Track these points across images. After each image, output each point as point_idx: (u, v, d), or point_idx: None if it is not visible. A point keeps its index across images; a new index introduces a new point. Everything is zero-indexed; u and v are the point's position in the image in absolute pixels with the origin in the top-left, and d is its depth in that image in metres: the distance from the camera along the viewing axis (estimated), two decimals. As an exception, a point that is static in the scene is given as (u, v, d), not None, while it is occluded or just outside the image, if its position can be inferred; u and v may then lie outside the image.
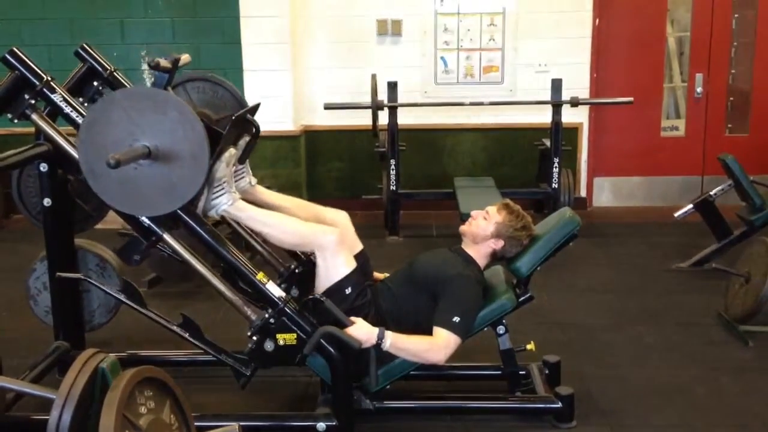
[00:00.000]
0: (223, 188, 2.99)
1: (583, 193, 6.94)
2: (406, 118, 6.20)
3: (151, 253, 4.46)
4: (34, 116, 3.08)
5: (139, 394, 2.26)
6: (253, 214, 3.09)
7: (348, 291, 3.07)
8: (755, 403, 3.39)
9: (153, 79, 6.50)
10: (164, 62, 2.86)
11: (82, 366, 2.24)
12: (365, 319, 3.02)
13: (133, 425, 2.17)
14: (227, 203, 3.01)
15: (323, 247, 3.07)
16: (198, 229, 2.97)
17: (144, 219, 2.96)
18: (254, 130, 3.22)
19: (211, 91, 3.50)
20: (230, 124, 3.00)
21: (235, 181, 3.15)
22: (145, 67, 6.59)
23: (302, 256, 3.42)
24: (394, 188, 6.07)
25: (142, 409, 2.26)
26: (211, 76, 3.52)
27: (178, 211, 2.92)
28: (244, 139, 3.18)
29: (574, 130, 6.71)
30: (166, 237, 2.99)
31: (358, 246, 3.30)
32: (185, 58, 3.00)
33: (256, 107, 3.32)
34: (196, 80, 3.49)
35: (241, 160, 3.18)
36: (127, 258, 3.04)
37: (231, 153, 3.03)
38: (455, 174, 6.67)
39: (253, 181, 3.28)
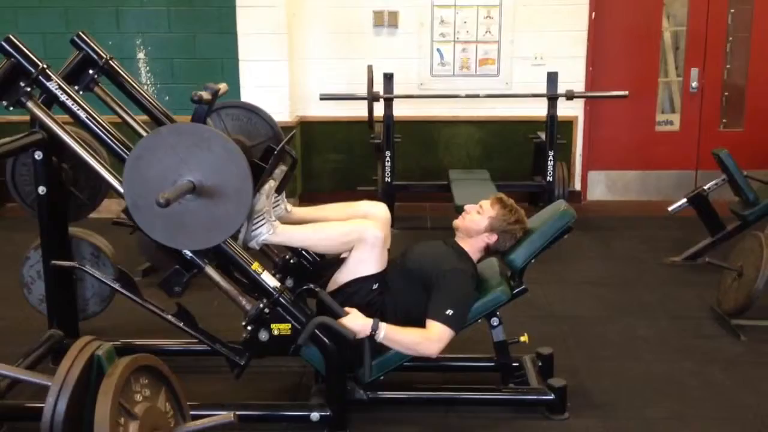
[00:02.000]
0: (264, 219, 3.01)
1: (577, 186, 6.95)
2: (401, 109, 6.19)
3: (146, 242, 4.50)
4: (30, 104, 3.07)
5: (135, 382, 2.26)
6: (293, 235, 3.12)
7: (374, 287, 3.09)
8: (747, 396, 3.41)
9: (155, 73, 6.53)
10: (206, 95, 2.88)
11: (78, 353, 2.24)
12: (370, 312, 3.03)
13: (128, 413, 2.17)
14: (267, 233, 3.02)
15: (365, 241, 3.07)
16: (238, 259, 3.00)
17: (186, 252, 2.97)
18: (291, 159, 3.25)
19: (246, 118, 3.56)
20: (273, 158, 3.05)
21: (273, 210, 3.15)
22: (141, 56, 6.57)
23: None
24: (389, 180, 6.07)
25: (138, 397, 2.26)
26: (245, 104, 3.56)
27: (221, 244, 2.94)
28: (281, 169, 3.21)
29: (569, 124, 6.72)
30: (208, 270, 3.00)
31: (389, 242, 3.29)
32: (224, 88, 3.02)
33: (292, 136, 3.34)
34: (231, 107, 3.54)
35: (278, 191, 3.19)
36: (169, 289, 3.05)
37: (270, 185, 3.07)
38: (450, 166, 6.67)
39: (289, 207, 3.28)
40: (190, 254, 2.98)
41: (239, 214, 2.83)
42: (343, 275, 3.11)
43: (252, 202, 2.87)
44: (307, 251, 3.40)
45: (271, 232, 3.04)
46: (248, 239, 3.03)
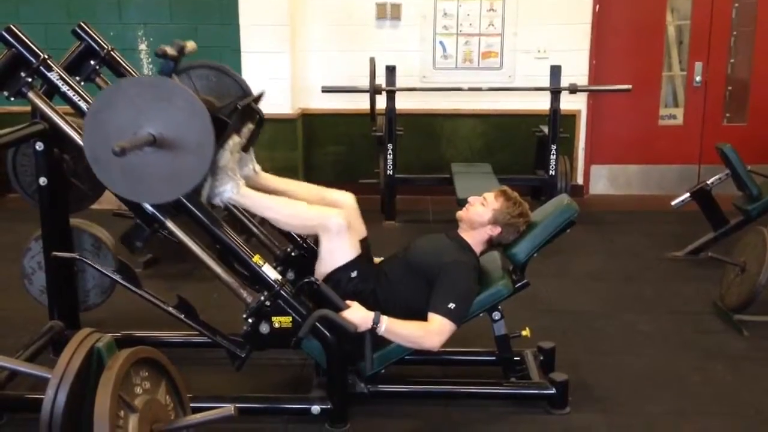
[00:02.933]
0: (228, 176, 2.99)
1: (580, 180, 6.94)
2: (404, 102, 6.17)
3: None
4: (31, 94, 3.05)
5: (135, 375, 2.26)
6: (258, 200, 3.09)
7: (353, 275, 3.07)
8: (749, 392, 3.40)
9: (156, 65, 6.50)
10: (170, 50, 2.85)
11: (78, 345, 2.24)
12: (365, 304, 3.02)
13: (128, 405, 2.17)
14: (232, 191, 3.00)
15: (329, 230, 3.06)
16: (201, 216, 2.97)
17: (147, 206, 2.95)
18: (258, 118, 3.21)
19: (215, 79, 3.48)
20: (236, 113, 2.99)
21: (239, 169, 3.14)
22: (142, 47, 6.55)
23: (298, 239, 3.42)
24: (391, 173, 6.05)
25: (138, 390, 2.25)
26: (216, 64, 3.51)
27: (182, 199, 2.92)
28: (248, 128, 3.18)
29: (572, 118, 6.70)
30: (169, 224, 2.98)
31: (364, 231, 3.30)
32: (191, 45, 2.99)
33: (260, 95, 3.31)
34: (201, 68, 3.47)
35: (245, 149, 3.17)
36: (130, 244, 3.04)
37: (235, 141, 3.03)
38: (453, 159, 6.66)
39: (257, 168, 3.27)
40: (152, 209, 2.95)
41: (200, 168, 2.79)
42: (322, 267, 3.11)
43: (216, 157, 2.85)
44: (306, 242, 3.39)
45: (236, 190, 3.00)
46: (212, 195, 3.00)
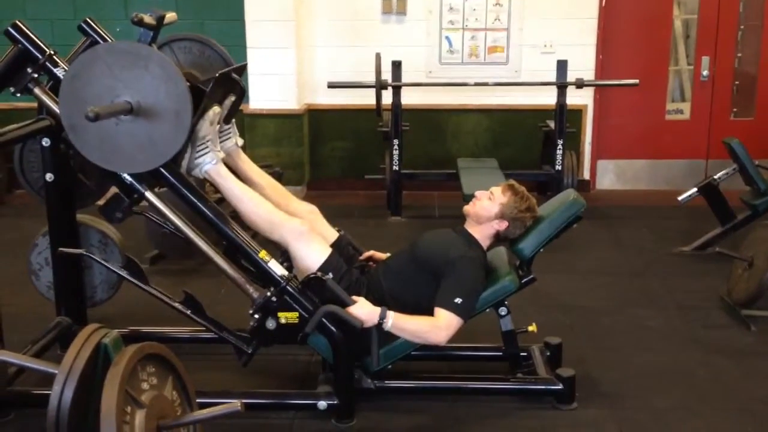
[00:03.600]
0: (207, 147, 2.97)
1: (586, 175, 6.92)
2: (410, 97, 6.16)
3: (154, 229, 4.49)
4: (37, 90, 3.06)
5: (142, 370, 2.26)
6: (233, 186, 3.09)
7: (329, 276, 3.06)
8: (756, 387, 3.39)
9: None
10: (148, 18, 2.82)
11: (85, 341, 2.24)
12: (360, 294, 3.02)
13: (135, 401, 2.17)
14: (211, 162, 2.99)
15: (293, 236, 3.07)
16: (180, 187, 2.95)
17: (126, 176, 2.93)
18: (240, 89, 3.18)
19: (198, 52, 3.45)
20: (214, 82, 2.96)
21: (221, 141, 3.13)
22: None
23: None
24: (397, 168, 6.05)
25: (145, 385, 2.26)
26: (198, 36, 3.48)
27: (160, 169, 2.90)
28: (230, 99, 3.14)
29: (578, 112, 6.68)
30: (149, 195, 2.96)
31: (333, 235, 3.32)
32: (171, 16, 2.96)
33: (242, 67, 3.29)
34: (183, 40, 3.44)
35: (226, 120, 3.15)
36: (110, 215, 3.02)
37: (215, 111, 3.00)
38: (459, 155, 6.64)
39: (240, 141, 3.27)
40: (130, 179, 2.94)
41: (178, 137, 2.77)
42: (299, 275, 3.09)
43: (195, 127, 2.83)
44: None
45: (214, 162, 3.00)
46: (191, 167, 2.99)
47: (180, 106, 2.72)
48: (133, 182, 2.94)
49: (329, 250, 3.13)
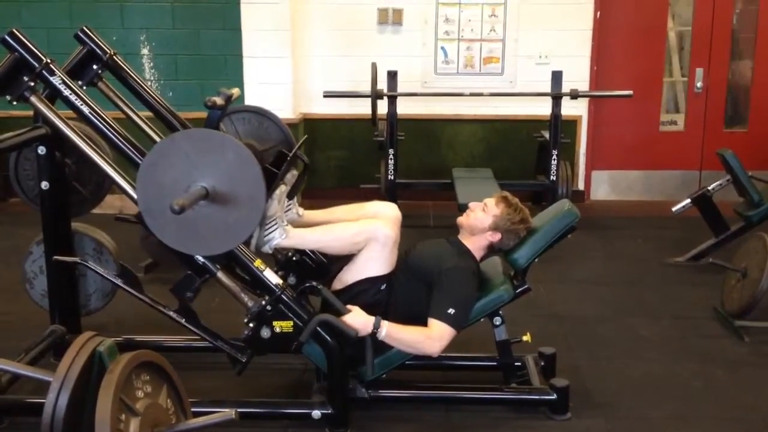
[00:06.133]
0: (276, 224, 3.00)
1: (581, 186, 6.94)
2: (405, 107, 6.19)
3: (148, 238, 4.49)
4: (33, 98, 3.06)
5: (136, 378, 2.26)
6: (303, 238, 3.10)
7: (382, 287, 3.07)
8: (750, 398, 3.40)
9: (159, 69, 6.53)
10: (219, 100, 2.88)
11: (80, 349, 2.23)
12: (376, 312, 3.01)
13: (129, 409, 2.17)
14: (280, 238, 3.01)
15: (376, 240, 3.05)
16: (250, 265, 3.00)
17: (199, 257, 2.97)
18: (303, 164, 3.26)
19: (257, 122, 3.57)
20: (286, 164, 3.05)
21: (285, 215, 3.14)
22: (144, 51, 6.56)
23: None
24: (392, 178, 6.07)
25: (139, 393, 2.25)
26: (257, 108, 3.55)
27: (233, 250, 2.94)
28: (292, 174, 3.20)
29: (573, 123, 6.71)
30: (220, 275, 3.00)
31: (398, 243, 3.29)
32: (236, 93, 3.02)
33: (303, 142, 3.35)
34: (242, 111, 3.53)
35: (289, 196, 3.18)
36: (181, 294, 3.05)
37: (282, 190, 3.06)
38: (454, 165, 6.66)
39: (301, 211, 3.27)
40: (203, 260, 2.97)
41: (252, 220, 2.82)
42: (351, 274, 3.10)
43: (264, 207, 2.87)
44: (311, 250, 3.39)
45: (284, 236, 3.03)
46: (261, 244, 3.02)
47: (254, 191, 2.76)
48: (206, 263, 2.98)
49: (393, 266, 3.13)
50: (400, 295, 3.14)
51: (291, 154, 3.12)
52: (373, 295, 3.08)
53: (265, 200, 2.83)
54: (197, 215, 2.77)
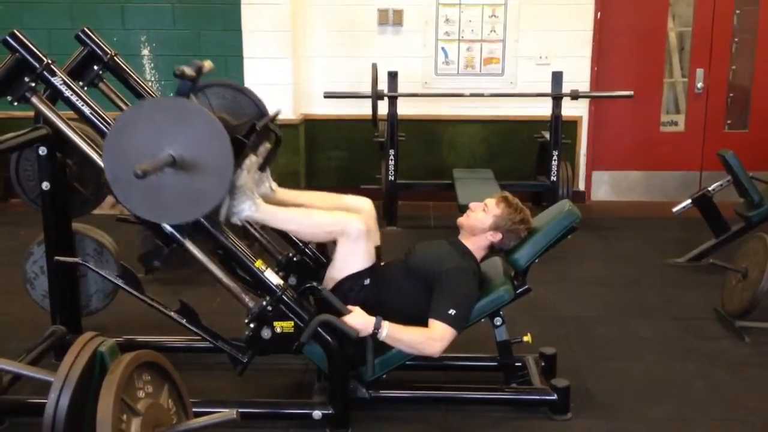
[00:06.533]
0: (246, 195, 3.00)
1: (581, 186, 6.94)
2: (405, 108, 6.19)
3: (149, 238, 4.49)
4: (34, 99, 3.06)
5: (138, 378, 2.26)
6: (275, 214, 3.09)
7: (366, 282, 3.07)
8: (751, 398, 3.40)
9: (159, 70, 6.53)
10: (188, 70, 2.87)
11: (81, 349, 2.24)
12: (372, 311, 3.02)
13: (131, 409, 2.17)
14: (250, 210, 3.01)
15: (348, 234, 3.06)
16: (219, 236, 3.00)
17: (166, 226, 2.97)
18: (276, 137, 3.22)
19: (231, 97, 3.51)
20: (255, 134, 3.03)
21: (257, 188, 3.14)
22: (145, 52, 6.57)
23: (300, 244, 3.42)
24: (392, 178, 6.06)
25: (141, 393, 2.26)
26: (232, 83, 3.53)
27: (201, 219, 2.93)
28: (265, 147, 3.19)
29: (573, 124, 6.71)
30: (188, 244, 3.00)
31: (378, 239, 3.30)
32: (208, 65, 3.01)
33: (276, 114, 3.33)
34: (216, 86, 3.50)
35: (261, 168, 3.18)
36: (149, 264, 3.06)
37: (252, 161, 3.04)
38: (454, 165, 6.66)
39: (274, 186, 3.27)
40: (170, 228, 2.96)
41: (219, 189, 2.81)
42: (335, 272, 3.11)
43: (233, 177, 2.86)
44: (308, 248, 3.39)
45: (254, 209, 3.01)
46: (230, 215, 3.00)
47: (222, 159, 2.76)
48: (174, 232, 2.98)
49: (374, 259, 3.14)
50: (400, 296, 3.14)
51: (260, 124, 3.08)
52: (358, 291, 3.08)
53: (234, 170, 2.81)
54: (164, 183, 2.76)
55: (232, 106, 3.41)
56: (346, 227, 3.06)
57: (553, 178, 6.03)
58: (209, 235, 3.01)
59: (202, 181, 2.77)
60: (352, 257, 3.08)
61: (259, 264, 3.00)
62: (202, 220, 2.95)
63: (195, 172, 2.75)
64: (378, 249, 3.26)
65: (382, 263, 3.39)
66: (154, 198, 2.80)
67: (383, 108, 5.98)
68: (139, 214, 2.89)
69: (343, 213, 3.15)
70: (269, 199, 3.20)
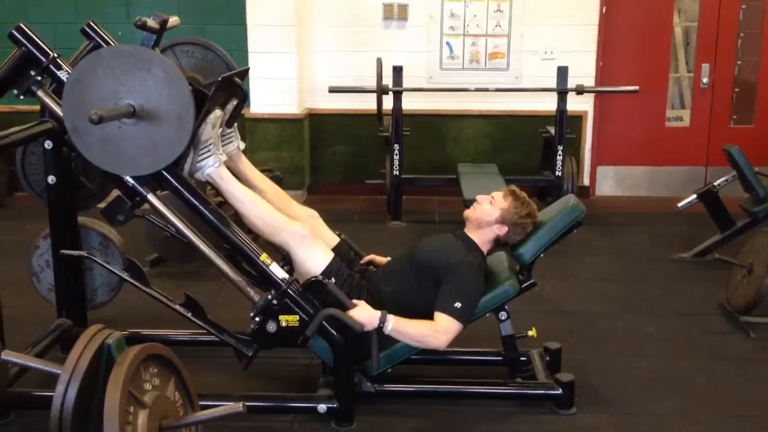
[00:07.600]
0: (209, 150, 2.99)
1: (586, 181, 6.93)
2: (410, 103, 6.17)
3: (155, 233, 4.50)
4: (40, 93, 3.07)
5: (145, 371, 2.27)
6: (235, 189, 3.10)
7: (332, 281, 3.07)
8: (756, 394, 3.40)
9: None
10: (152, 22, 2.84)
11: (88, 341, 2.25)
12: (361, 298, 3.03)
13: (137, 401, 2.18)
14: (213, 165, 3.00)
15: (295, 240, 3.08)
16: (182, 190, 2.97)
17: (128, 179, 2.95)
18: (242, 93, 3.20)
19: (201, 56, 3.47)
20: (216, 86, 2.98)
21: (223, 145, 3.15)
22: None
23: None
24: (397, 173, 6.06)
25: (147, 386, 2.26)
26: (201, 40, 3.49)
27: (163, 172, 2.92)
28: (232, 103, 3.16)
29: (578, 119, 6.70)
30: (150, 197, 2.98)
31: (334, 239, 3.33)
32: (174, 20, 2.98)
33: (244, 71, 3.31)
34: (186, 44, 3.46)
35: (228, 124, 3.17)
36: (111, 217, 3.03)
37: (217, 115, 3.02)
38: (459, 160, 6.65)
39: (241, 145, 3.29)
40: (132, 181, 2.95)
41: (180, 141, 2.79)
42: (300, 280, 3.09)
43: (197, 131, 2.85)
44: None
45: (216, 165, 3.01)
46: (194, 170, 3.01)
47: (182, 110, 2.73)
48: (136, 185, 2.95)
49: (331, 255, 3.14)
50: (406, 289, 3.15)
51: (223, 77, 3.04)
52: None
53: (194, 121, 2.79)
54: (123, 133, 2.74)
55: (202, 65, 3.38)
56: (288, 229, 3.08)
57: (558, 173, 6.01)
58: (174, 191, 2.98)
59: (162, 131, 2.75)
60: (308, 261, 3.10)
61: (264, 257, 3.01)
62: (164, 173, 2.92)
63: (154, 123, 2.73)
64: (339, 247, 3.27)
65: (389, 258, 3.41)
66: (113, 148, 2.79)
67: (388, 103, 5.97)
68: (98, 164, 2.87)
69: (289, 219, 3.16)
70: (233, 161, 3.22)
